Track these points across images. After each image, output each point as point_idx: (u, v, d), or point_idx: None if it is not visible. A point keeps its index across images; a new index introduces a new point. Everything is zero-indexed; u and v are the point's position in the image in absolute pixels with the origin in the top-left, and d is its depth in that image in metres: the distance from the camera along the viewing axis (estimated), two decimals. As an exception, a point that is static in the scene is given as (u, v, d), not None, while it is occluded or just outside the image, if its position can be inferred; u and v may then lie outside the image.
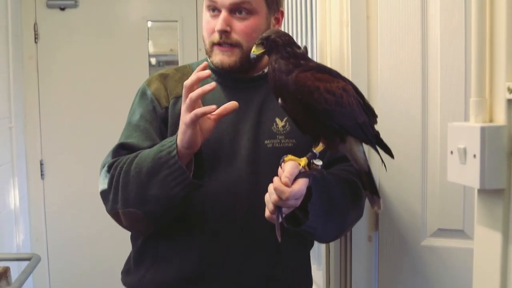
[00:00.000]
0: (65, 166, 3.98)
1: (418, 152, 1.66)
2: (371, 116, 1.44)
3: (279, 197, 1.28)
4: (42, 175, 3.97)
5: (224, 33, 1.54)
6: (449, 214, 1.65)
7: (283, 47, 1.33)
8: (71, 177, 3.98)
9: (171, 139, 1.43)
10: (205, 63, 1.41)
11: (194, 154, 1.44)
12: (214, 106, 1.34)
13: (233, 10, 1.54)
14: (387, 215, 1.71)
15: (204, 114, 1.34)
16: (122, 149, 1.56)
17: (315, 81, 1.30)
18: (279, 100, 1.35)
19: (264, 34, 1.36)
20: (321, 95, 1.30)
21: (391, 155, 1.49)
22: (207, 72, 1.36)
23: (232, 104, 1.39)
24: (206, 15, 1.60)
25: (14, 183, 3.51)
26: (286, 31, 2.54)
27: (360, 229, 1.74)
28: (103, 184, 1.52)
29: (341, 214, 1.49)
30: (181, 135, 1.39)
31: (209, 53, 1.61)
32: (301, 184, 1.29)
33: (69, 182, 3.98)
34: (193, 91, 1.36)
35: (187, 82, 1.37)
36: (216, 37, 1.56)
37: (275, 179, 1.30)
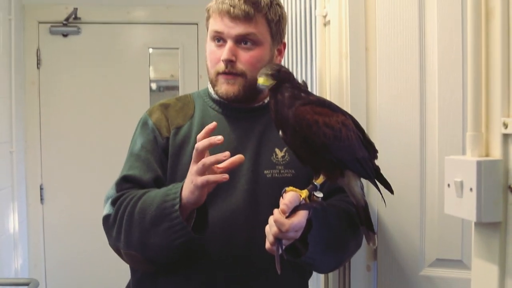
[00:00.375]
0: (65, 191, 3.99)
1: (416, 183, 1.67)
2: (372, 151, 1.46)
3: (279, 229, 1.29)
4: (41, 199, 3.98)
5: (229, 62, 1.56)
6: (448, 244, 1.65)
7: (289, 80, 1.36)
8: (70, 202, 3.98)
9: (175, 189, 1.43)
10: (214, 123, 1.40)
11: None
12: (226, 175, 1.34)
13: (239, 40, 1.57)
14: (386, 245, 1.72)
15: (216, 181, 1.35)
16: (125, 181, 1.57)
17: (314, 115, 1.32)
18: (280, 132, 1.37)
19: (274, 67, 1.36)
20: (319, 129, 1.32)
21: (391, 191, 1.50)
22: (220, 138, 1.36)
23: (239, 158, 1.38)
24: (210, 45, 1.62)
25: (14, 208, 3.52)
26: (286, 62, 2.57)
27: (359, 259, 1.74)
28: (106, 211, 1.54)
29: (341, 246, 1.50)
30: (188, 193, 1.39)
31: (213, 83, 1.63)
32: (301, 216, 1.30)
33: (69, 207, 3.98)
34: (203, 149, 1.36)
35: (199, 146, 1.36)
36: (221, 66, 1.58)
37: (275, 211, 1.31)
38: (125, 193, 1.53)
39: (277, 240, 1.31)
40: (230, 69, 1.57)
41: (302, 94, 1.36)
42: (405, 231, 1.69)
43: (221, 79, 1.59)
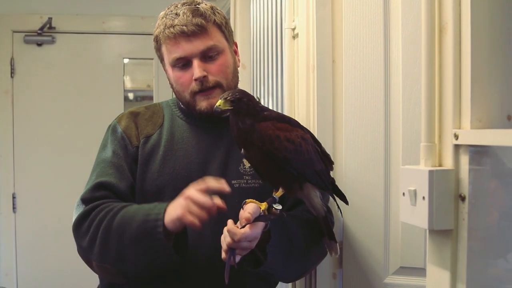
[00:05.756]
0: (37, 200, 3.97)
1: (380, 192, 1.69)
2: (328, 163, 1.49)
3: (232, 239, 1.31)
4: (14, 208, 3.95)
5: (203, 78, 1.57)
6: (411, 252, 1.68)
7: (249, 108, 1.37)
8: (43, 212, 3.96)
9: (159, 209, 1.43)
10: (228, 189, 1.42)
11: None
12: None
13: (203, 55, 1.58)
14: (351, 253, 1.75)
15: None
16: (100, 187, 1.56)
17: (275, 130, 1.36)
18: (242, 150, 1.40)
19: (236, 94, 1.37)
20: (281, 143, 1.36)
21: (346, 202, 1.55)
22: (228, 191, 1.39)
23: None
24: (174, 72, 1.62)
25: (-14, 217, 3.50)
26: (256, 74, 2.60)
27: (325, 266, 1.77)
28: (76, 220, 1.53)
29: (303, 255, 1.52)
30: (173, 222, 1.40)
31: (191, 104, 1.62)
32: (256, 227, 1.33)
33: (41, 217, 3.96)
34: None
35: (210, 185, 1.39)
36: (195, 86, 1.58)
37: (229, 221, 1.34)
38: (100, 205, 1.52)
39: (230, 250, 1.33)
40: (205, 84, 1.58)
41: (265, 113, 1.39)
42: (370, 240, 1.72)
43: (199, 97, 1.60)
